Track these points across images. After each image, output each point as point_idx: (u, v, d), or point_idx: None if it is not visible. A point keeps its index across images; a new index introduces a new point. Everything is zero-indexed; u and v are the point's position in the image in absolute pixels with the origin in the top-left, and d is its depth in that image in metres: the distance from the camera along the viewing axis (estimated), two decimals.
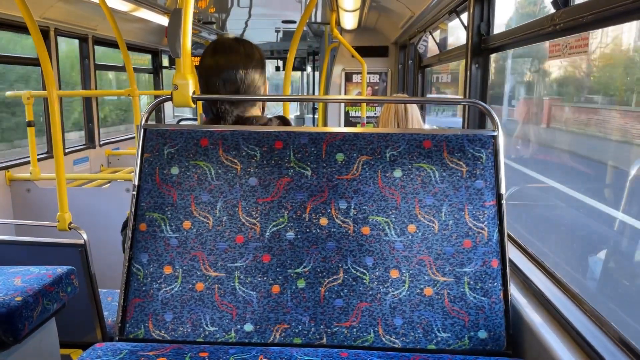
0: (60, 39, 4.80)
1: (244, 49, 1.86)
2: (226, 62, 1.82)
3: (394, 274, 1.48)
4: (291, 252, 1.50)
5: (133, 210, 1.53)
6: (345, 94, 6.51)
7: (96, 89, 5.53)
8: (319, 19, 6.26)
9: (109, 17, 3.55)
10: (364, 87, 5.28)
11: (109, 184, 4.30)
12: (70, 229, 2.66)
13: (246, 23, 6.85)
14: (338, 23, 5.39)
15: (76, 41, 5.23)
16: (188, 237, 1.52)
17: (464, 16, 3.06)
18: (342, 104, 6.54)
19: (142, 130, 1.58)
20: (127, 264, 1.51)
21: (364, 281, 1.48)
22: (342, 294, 1.48)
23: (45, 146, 4.73)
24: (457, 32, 4.55)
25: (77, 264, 2.48)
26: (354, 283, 1.48)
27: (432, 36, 4.70)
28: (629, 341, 1.26)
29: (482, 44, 2.73)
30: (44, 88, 4.31)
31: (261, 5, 5.54)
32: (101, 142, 5.66)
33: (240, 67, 1.82)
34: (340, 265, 1.49)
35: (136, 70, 6.60)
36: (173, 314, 1.49)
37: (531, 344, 1.43)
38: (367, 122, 6.35)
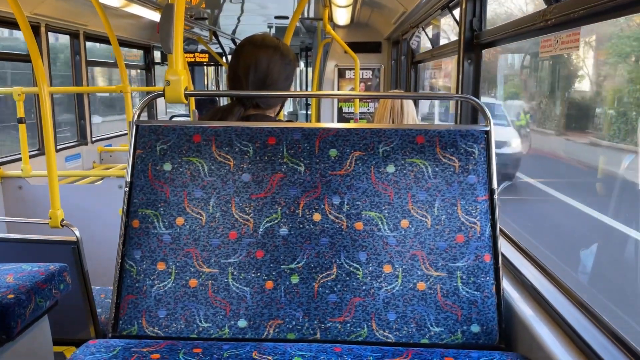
0: None
1: (281, 47, 1.93)
2: (259, 54, 1.89)
3: (387, 269, 1.49)
4: (285, 248, 1.50)
5: (125, 207, 1.53)
6: (338, 90, 6.51)
7: (87, 84, 5.51)
8: (311, 15, 6.26)
9: (100, 13, 3.53)
10: (357, 83, 5.28)
11: (101, 181, 4.28)
12: (62, 226, 2.64)
13: (238, 19, 6.83)
14: (331, 19, 5.39)
15: None
16: (181, 234, 1.51)
17: (457, 12, 3.06)
18: (335, 100, 6.54)
19: (135, 126, 1.57)
20: (119, 261, 1.51)
21: (358, 276, 1.48)
22: (335, 289, 1.48)
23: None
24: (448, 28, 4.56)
25: (69, 261, 2.47)
26: (348, 278, 1.48)
27: (425, 32, 4.70)
28: (620, 334, 1.27)
29: (474, 40, 2.74)
30: (35, 84, 4.28)
31: (253, 0, 5.52)
32: (93, 139, 5.63)
33: (275, 62, 1.89)
34: (333, 261, 1.49)
35: (128, 66, 6.57)
36: (166, 311, 1.49)
37: (523, 337, 1.44)
38: (360, 118, 6.36)
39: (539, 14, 1.89)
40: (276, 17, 6.67)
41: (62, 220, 2.65)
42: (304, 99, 11.37)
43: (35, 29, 4.45)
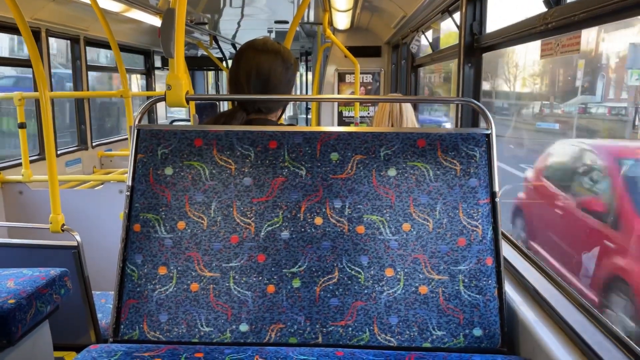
0: None
1: (283, 51, 1.93)
2: (260, 59, 1.87)
3: (389, 272, 1.48)
4: (286, 252, 1.50)
5: (127, 211, 1.53)
6: (338, 94, 6.52)
7: (88, 89, 5.51)
8: (311, 19, 6.26)
9: (100, 18, 3.54)
10: (357, 87, 5.29)
11: (101, 186, 4.28)
12: (63, 230, 2.64)
13: (238, 23, 6.84)
14: (331, 23, 5.40)
15: None
16: (182, 238, 1.51)
17: (457, 16, 3.07)
18: (335, 104, 6.55)
19: (136, 130, 1.57)
20: (121, 265, 1.51)
21: (359, 280, 1.48)
22: (337, 293, 1.48)
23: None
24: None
25: (70, 266, 2.47)
26: (349, 282, 1.48)
27: (425, 36, 4.71)
28: (622, 336, 1.26)
29: (474, 43, 2.74)
30: (36, 89, 4.29)
31: (253, 5, 5.53)
32: (94, 144, 5.64)
33: (276, 67, 1.88)
34: (335, 265, 1.49)
35: (128, 71, 6.58)
36: (168, 315, 1.48)
37: (526, 340, 1.44)
38: (360, 122, 6.36)
39: (539, 17, 1.90)
40: (276, 22, 6.68)
41: (63, 225, 2.65)
42: (304, 103, 11.38)
43: (36, 34, 4.45)
